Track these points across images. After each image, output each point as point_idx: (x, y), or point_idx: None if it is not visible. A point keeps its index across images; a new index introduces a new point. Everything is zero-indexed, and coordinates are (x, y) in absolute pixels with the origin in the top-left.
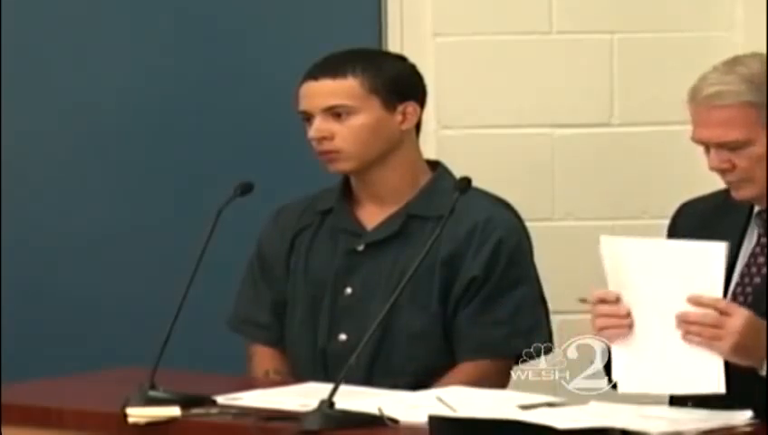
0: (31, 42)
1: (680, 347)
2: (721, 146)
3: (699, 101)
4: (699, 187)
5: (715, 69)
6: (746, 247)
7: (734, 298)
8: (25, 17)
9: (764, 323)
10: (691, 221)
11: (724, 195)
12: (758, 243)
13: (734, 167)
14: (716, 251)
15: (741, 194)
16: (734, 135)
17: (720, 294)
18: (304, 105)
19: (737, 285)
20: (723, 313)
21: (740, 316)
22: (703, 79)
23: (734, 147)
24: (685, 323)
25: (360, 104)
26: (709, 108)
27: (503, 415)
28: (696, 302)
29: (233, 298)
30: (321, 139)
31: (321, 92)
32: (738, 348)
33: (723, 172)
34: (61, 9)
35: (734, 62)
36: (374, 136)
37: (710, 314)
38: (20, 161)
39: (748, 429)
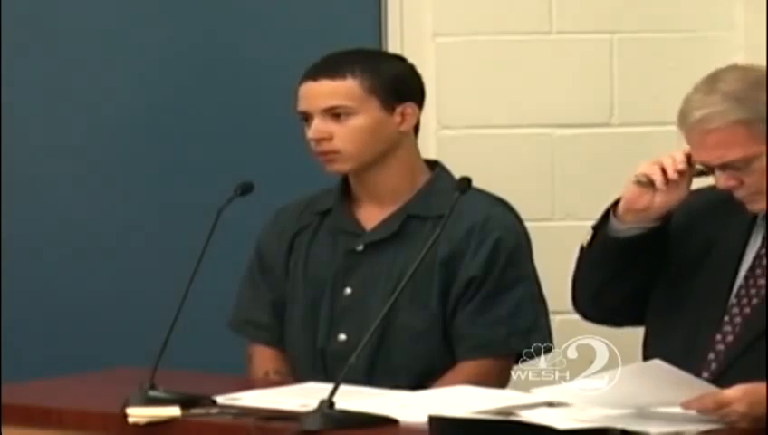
0: (31, 42)
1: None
2: (724, 166)
3: (690, 125)
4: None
5: (697, 90)
6: (751, 249)
7: (738, 300)
8: (25, 16)
9: (763, 385)
10: (689, 210)
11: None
12: (763, 244)
13: (741, 183)
14: (658, 365)
15: (755, 207)
16: (732, 155)
17: (701, 387)
18: (303, 106)
19: (741, 287)
20: (719, 407)
21: (739, 402)
22: (687, 102)
23: (737, 166)
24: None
25: (359, 105)
26: (701, 132)
27: (502, 415)
28: (687, 409)
29: (233, 298)
30: (320, 139)
31: (321, 93)
32: (756, 421)
33: (733, 189)
34: (61, 8)
35: (713, 80)
36: (373, 137)
37: (709, 409)
38: (20, 161)
39: (748, 429)
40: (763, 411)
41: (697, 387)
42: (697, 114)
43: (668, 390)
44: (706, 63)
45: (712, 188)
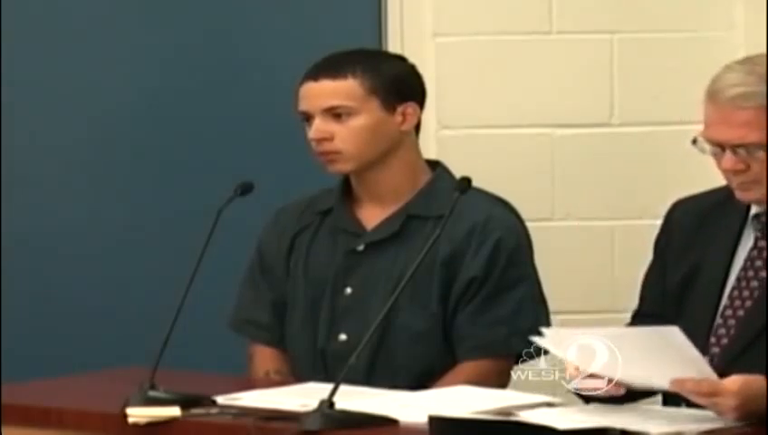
0: (31, 42)
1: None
2: (739, 147)
3: (722, 102)
4: (698, 187)
5: (732, 69)
6: (743, 250)
7: (731, 302)
8: (25, 16)
9: (763, 379)
10: (688, 220)
11: (718, 195)
12: (755, 246)
13: (748, 168)
14: (674, 333)
15: (748, 196)
16: (754, 137)
17: (704, 370)
18: (304, 106)
19: (733, 288)
20: (713, 394)
21: (731, 396)
22: (722, 79)
23: (752, 149)
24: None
25: (360, 105)
26: (733, 109)
27: (502, 415)
28: (679, 387)
29: (233, 298)
30: (321, 140)
31: (321, 93)
32: (743, 417)
33: (735, 173)
34: (61, 8)
35: (751, 63)
36: (374, 137)
37: (702, 392)
38: (20, 161)
39: (748, 429)
40: (753, 408)
41: (700, 371)
42: (733, 91)
43: (674, 363)
44: (706, 63)
45: (706, 195)
